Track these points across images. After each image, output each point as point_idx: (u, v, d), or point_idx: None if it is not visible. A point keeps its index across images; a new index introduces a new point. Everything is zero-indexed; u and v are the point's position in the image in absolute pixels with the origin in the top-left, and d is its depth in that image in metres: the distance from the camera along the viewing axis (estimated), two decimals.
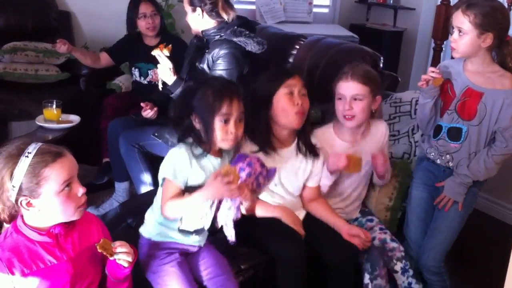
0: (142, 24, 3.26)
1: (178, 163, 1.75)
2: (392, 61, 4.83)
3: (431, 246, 2.20)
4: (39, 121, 2.71)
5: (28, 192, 1.40)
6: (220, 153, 1.84)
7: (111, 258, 1.50)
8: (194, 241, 1.87)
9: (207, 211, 1.82)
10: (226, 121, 1.74)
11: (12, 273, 1.42)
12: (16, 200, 1.42)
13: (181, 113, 1.80)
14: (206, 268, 1.87)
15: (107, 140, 3.04)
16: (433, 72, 2.08)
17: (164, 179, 1.76)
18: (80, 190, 1.47)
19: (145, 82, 3.33)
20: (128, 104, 3.23)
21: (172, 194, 1.73)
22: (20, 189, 1.40)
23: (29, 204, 1.42)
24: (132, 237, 2.14)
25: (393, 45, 4.98)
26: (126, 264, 1.51)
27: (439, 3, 3.35)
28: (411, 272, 2.17)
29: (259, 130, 2.07)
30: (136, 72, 3.34)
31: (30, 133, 2.63)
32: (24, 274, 1.43)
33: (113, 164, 3.03)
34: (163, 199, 1.75)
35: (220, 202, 1.79)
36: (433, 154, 2.23)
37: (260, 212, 2.08)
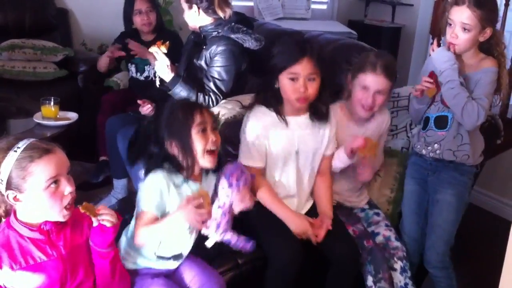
0: (138, 21, 3.26)
1: (155, 190, 1.71)
2: None
3: (432, 241, 2.21)
4: (37, 118, 2.70)
5: (15, 187, 1.41)
6: (199, 176, 1.81)
7: (95, 219, 1.49)
8: (172, 266, 1.83)
9: (185, 236, 1.79)
10: (203, 131, 1.74)
11: (0, 267, 1.43)
12: (6, 194, 1.43)
13: (149, 144, 1.78)
14: (191, 279, 1.80)
15: (105, 137, 3.04)
16: (427, 82, 2.10)
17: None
18: (68, 189, 1.45)
19: (142, 78, 3.32)
20: (126, 101, 3.22)
21: (146, 221, 1.69)
22: (8, 183, 1.41)
23: (15, 198, 1.43)
24: None
25: (391, 41, 4.97)
26: (109, 224, 1.50)
27: None
28: (409, 273, 2.17)
29: (270, 99, 2.06)
30: (132, 68, 3.33)
31: (28, 130, 2.62)
32: (12, 269, 1.43)
33: (111, 161, 3.03)
34: (136, 226, 1.71)
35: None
36: (418, 146, 2.26)
37: (274, 210, 2.05)
